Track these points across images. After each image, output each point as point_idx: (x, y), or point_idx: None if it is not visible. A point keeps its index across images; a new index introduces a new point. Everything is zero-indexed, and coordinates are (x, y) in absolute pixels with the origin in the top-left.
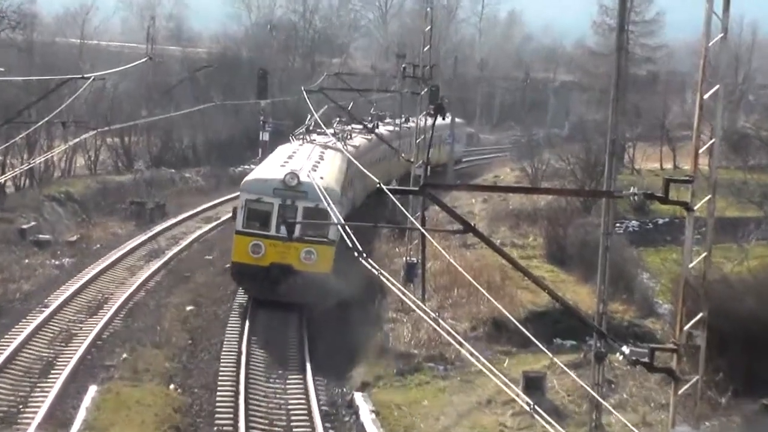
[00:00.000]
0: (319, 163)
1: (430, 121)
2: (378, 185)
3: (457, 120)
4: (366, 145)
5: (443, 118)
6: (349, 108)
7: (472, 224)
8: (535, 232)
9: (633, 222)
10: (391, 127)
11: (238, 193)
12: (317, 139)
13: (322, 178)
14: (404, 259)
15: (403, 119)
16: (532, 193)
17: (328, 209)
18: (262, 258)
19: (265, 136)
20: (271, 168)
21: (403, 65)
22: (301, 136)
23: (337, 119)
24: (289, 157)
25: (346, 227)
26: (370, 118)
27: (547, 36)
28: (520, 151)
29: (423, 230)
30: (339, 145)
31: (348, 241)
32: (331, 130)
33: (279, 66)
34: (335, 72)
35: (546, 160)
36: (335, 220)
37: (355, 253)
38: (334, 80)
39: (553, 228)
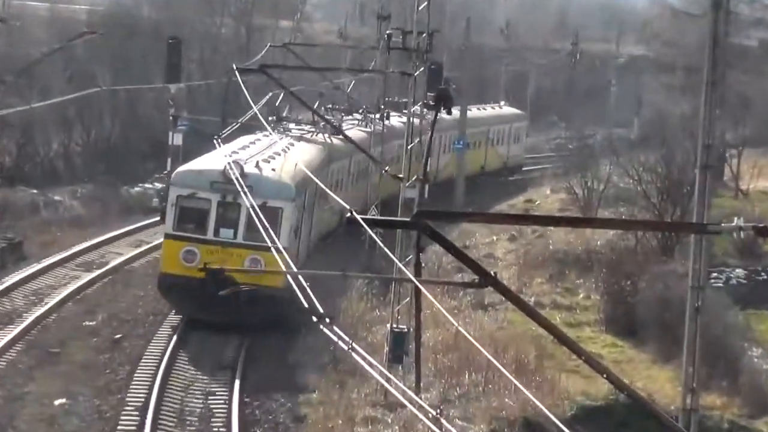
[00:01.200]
0: (279, 155)
1: (430, 116)
2: (348, 213)
3: (512, 110)
4: (331, 151)
5: (448, 112)
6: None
7: (493, 273)
8: (589, 286)
9: (738, 270)
10: (367, 126)
11: (136, 226)
12: (294, 131)
13: (273, 170)
14: (389, 326)
15: (386, 113)
16: (585, 227)
17: (282, 209)
18: (196, 267)
19: (176, 139)
20: (211, 158)
21: (388, 31)
22: (272, 126)
23: (328, 107)
24: (243, 148)
25: (299, 277)
26: (333, 112)
27: None
28: (566, 162)
29: (417, 282)
30: (323, 137)
31: (299, 294)
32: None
33: (198, 32)
34: (284, 42)
35: (605, 176)
36: (289, 223)
37: (313, 317)
38: (282, 54)
39: (615, 280)
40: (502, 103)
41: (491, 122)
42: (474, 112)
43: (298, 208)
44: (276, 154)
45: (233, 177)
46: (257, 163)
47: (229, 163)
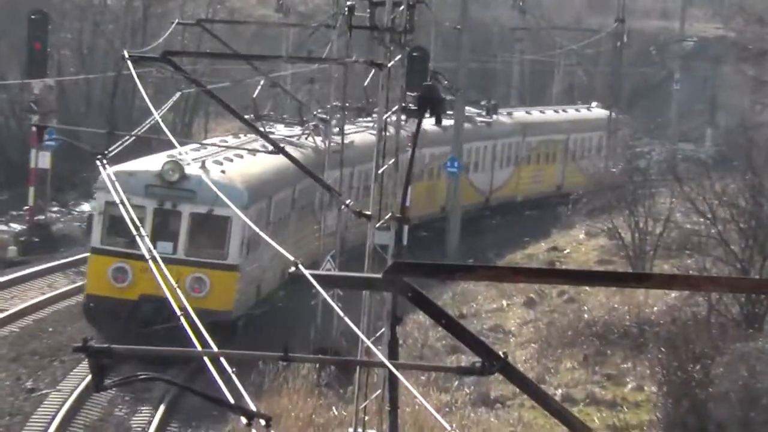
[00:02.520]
0: (238, 157)
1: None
2: (293, 265)
3: (604, 113)
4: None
5: (436, 120)
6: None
7: (503, 354)
8: (641, 373)
9: None
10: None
11: None
12: (279, 131)
13: (223, 172)
14: (351, 431)
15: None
16: (635, 287)
17: (230, 218)
18: (128, 288)
19: (42, 160)
20: (149, 158)
21: (350, 2)
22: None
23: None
24: (198, 149)
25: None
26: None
27: None
28: (608, 193)
29: (391, 367)
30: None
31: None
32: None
33: (73, 5)
34: (198, 18)
35: (665, 214)
36: (239, 235)
37: (242, 418)
38: (196, 34)
39: (679, 364)
40: (594, 104)
41: (569, 128)
42: (543, 114)
43: (251, 218)
44: (240, 156)
45: (171, 179)
46: (203, 163)
47: (166, 164)
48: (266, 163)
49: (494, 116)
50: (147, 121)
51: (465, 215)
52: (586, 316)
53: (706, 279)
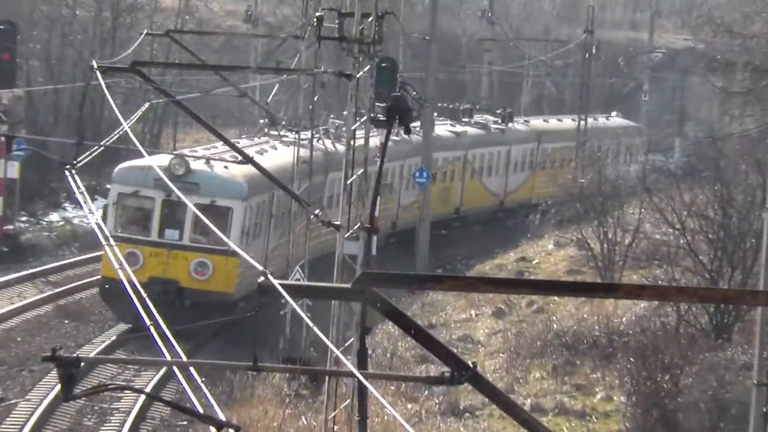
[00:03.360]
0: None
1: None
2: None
3: (624, 122)
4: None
5: (405, 130)
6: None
7: (472, 364)
8: (610, 383)
9: None
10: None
11: None
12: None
13: (226, 167)
14: None
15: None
16: (604, 297)
17: (231, 208)
18: (139, 271)
19: (11, 170)
20: (158, 156)
21: (318, 13)
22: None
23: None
24: (209, 148)
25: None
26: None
27: None
28: (577, 205)
29: (360, 377)
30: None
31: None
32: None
33: (42, 15)
34: (167, 29)
35: (634, 224)
36: (239, 223)
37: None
38: (165, 44)
39: (648, 374)
40: (613, 114)
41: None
42: (559, 123)
43: (251, 209)
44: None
45: (177, 173)
46: (207, 159)
47: (173, 159)
48: (271, 161)
49: (509, 124)
50: (116, 132)
51: (480, 216)
52: (555, 326)
53: (675, 289)
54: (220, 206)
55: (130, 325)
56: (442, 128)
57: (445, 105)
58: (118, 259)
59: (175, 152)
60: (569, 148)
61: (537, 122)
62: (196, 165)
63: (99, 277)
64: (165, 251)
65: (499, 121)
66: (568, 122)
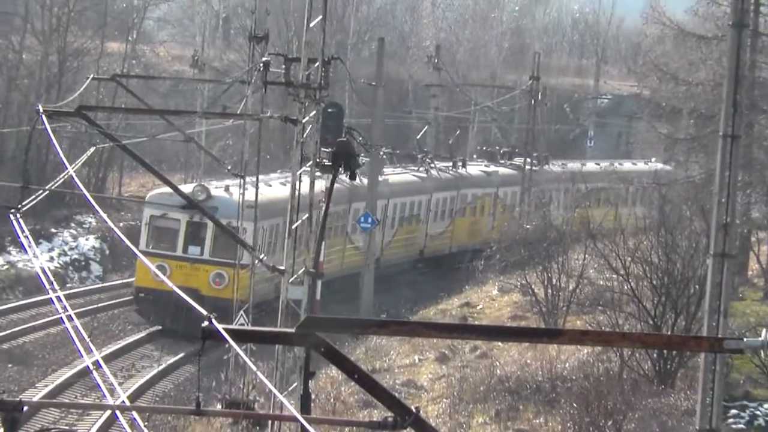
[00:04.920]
0: (266, 185)
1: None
2: (206, 320)
3: (659, 165)
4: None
5: (351, 175)
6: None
7: (415, 409)
8: (553, 428)
9: (767, 406)
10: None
11: None
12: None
13: (242, 194)
14: None
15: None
16: (547, 342)
17: (245, 229)
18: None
19: None
20: (185, 186)
21: (265, 58)
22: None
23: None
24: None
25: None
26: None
27: (586, 1)
28: (523, 250)
29: (303, 421)
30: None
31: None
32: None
33: None
34: (114, 74)
35: (578, 270)
36: (251, 241)
37: None
38: (111, 89)
39: (591, 419)
40: (653, 159)
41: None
42: (596, 166)
43: (263, 230)
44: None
45: (199, 198)
46: (227, 187)
47: (196, 186)
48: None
49: (545, 166)
50: (61, 176)
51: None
52: (498, 371)
53: (618, 335)
54: (235, 227)
55: (159, 327)
56: (475, 168)
57: (392, 151)
58: (148, 271)
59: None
60: (601, 189)
61: (574, 165)
62: (216, 191)
63: (131, 288)
64: (188, 264)
65: (536, 164)
66: (605, 164)
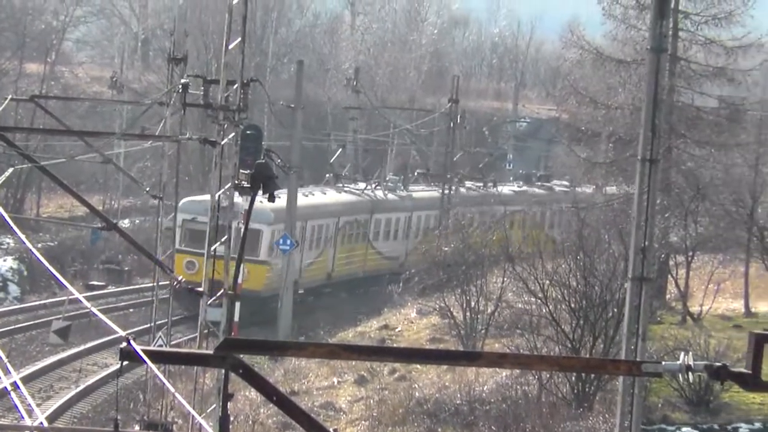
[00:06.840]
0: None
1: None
2: (125, 341)
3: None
4: None
5: (269, 197)
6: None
7: (333, 431)
8: None
9: (685, 430)
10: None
11: None
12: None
13: (261, 202)
14: None
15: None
16: (466, 365)
17: (261, 230)
18: (195, 275)
19: None
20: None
21: (183, 80)
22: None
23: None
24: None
25: None
26: None
27: (505, 25)
28: (441, 273)
29: None
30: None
31: None
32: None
33: None
34: (32, 94)
35: (496, 293)
36: (267, 242)
37: None
38: (30, 109)
39: None
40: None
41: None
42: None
43: (278, 232)
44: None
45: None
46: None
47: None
48: (307, 200)
49: (551, 183)
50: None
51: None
52: (417, 394)
53: (536, 358)
54: (252, 229)
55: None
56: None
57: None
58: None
59: None
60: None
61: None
62: (237, 198)
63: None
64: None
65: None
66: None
